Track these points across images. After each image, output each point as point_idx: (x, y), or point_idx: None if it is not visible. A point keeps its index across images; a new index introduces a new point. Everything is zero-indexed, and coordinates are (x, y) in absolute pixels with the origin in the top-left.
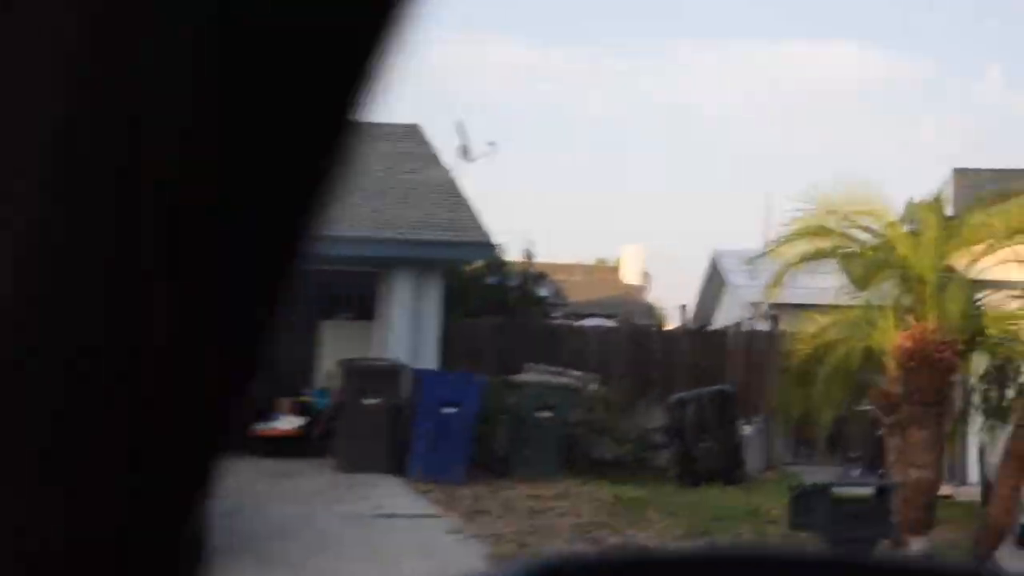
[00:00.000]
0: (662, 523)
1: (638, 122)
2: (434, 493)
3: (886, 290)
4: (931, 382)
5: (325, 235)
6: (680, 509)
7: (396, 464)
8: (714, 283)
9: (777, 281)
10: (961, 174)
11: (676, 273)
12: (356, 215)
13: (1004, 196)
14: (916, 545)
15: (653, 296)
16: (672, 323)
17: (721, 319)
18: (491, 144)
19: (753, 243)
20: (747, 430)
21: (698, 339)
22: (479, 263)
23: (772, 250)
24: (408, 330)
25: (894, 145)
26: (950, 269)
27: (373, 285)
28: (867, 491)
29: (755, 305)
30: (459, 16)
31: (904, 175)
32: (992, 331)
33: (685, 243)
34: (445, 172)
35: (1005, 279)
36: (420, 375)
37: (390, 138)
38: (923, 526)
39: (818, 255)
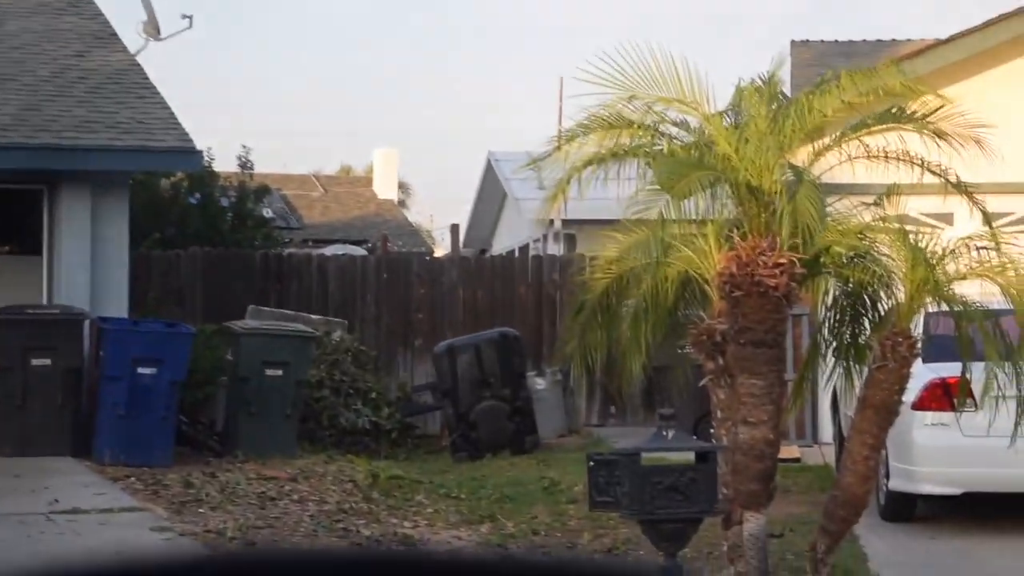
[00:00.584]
0: (434, 507)
1: None
2: (131, 480)
3: (700, 200)
4: (763, 315)
5: None
6: (458, 489)
7: (79, 444)
8: (492, 195)
9: (560, 189)
10: (801, 48)
11: (443, 184)
12: (2, 113)
13: (855, 73)
14: (752, 523)
15: (415, 214)
16: (441, 249)
17: (504, 242)
18: (187, 17)
19: (542, 145)
20: (539, 384)
21: (473, 268)
22: (178, 176)
23: (558, 148)
24: (86, 267)
25: (714, 20)
26: (790, 168)
27: (37, 209)
28: (687, 457)
29: (546, 223)
30: None
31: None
32: (839, 248)
33: (453, 145)
34: (127, 55)
35: (854, 182)
36: (105, 326)
37: (46, 10)
38: (760, 498)
39: (615, 155)
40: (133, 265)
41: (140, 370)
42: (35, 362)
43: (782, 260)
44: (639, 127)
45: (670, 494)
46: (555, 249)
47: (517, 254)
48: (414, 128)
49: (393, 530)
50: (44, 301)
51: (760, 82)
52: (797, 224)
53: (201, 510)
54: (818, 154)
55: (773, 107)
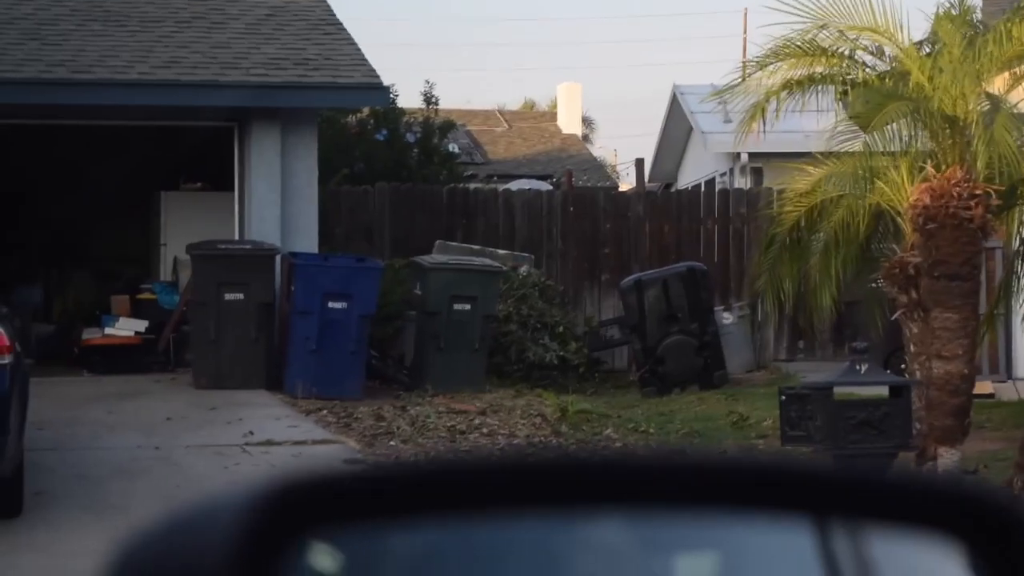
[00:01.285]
0: (623, 440)
1: None
2: (323, 413)
3: (897, 131)
4: (958, 248)
5: (146, 81)
6: (646, 423)
7: (272, 378)
8: (677, 129)
9: (753, 117)
10: None
11: (628, 119)
12: (192, 53)
13: None
14: (946, 459)
15: (599, 149)
16: (626, 184)
17: (689, 176)
18: None
19: (728, 76)
20: (727, 319)
21: (660, 203)
22: (365, 112)
23: (748, 77)
24: (276, 203)
25: None
26: (987, 97)
27: (228, 145)
28: (881, 391)
29: (732, 157)
30: None
31: None
32: None
33: (638, 79)
34: None
35: None
36: (296, 261)
37: None
38: (954, 434)
39: (808, 82)
40: (322, 201)
41: (330, 304)
42: (228, 296)
43: (977, 191)
44: (832, 55)
45: (864, 428)
46: (741, 183)
47: (703, 188)
48: (598, 62)
49: None
50: (236, 236)
51: (951, 8)
52: (993, 154)
53: (392, 443)
54: (1016, 82)
55: (968, 34)
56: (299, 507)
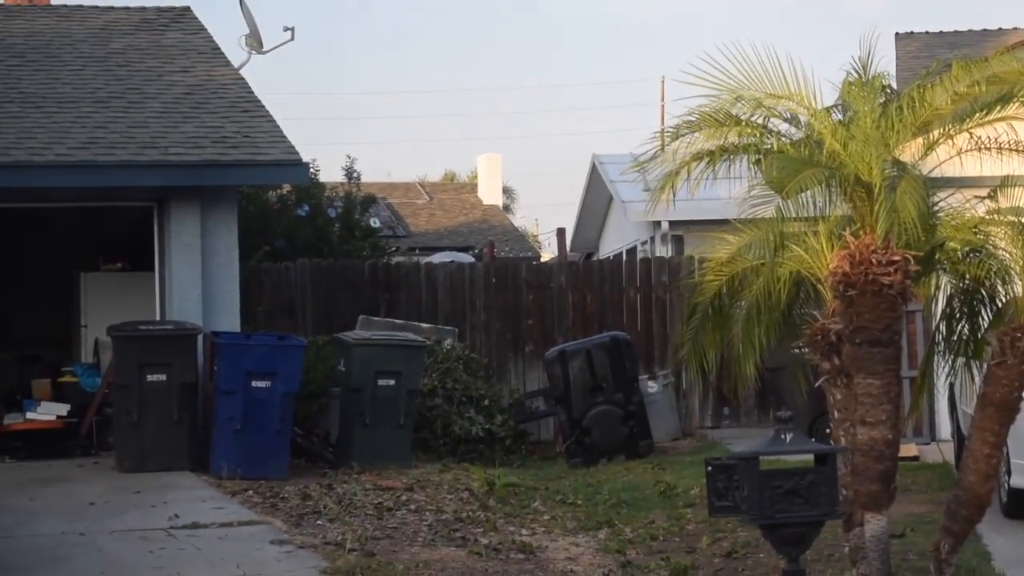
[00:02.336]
0: (551, 513)
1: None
2: (249, 493)
3: (811, 197)
4: (878, 314)
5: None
6: (572, 494)
7: (196, 458)
8: (598, 198)
9: (668, 183)
10: (905, 40)
11: (548, 187)
12: (109, 133)
13: (967, 63)
14: (873, 525)
15: (520, 219)
16: (548, 253)
17: (610, 245)
18: (288, 30)
19: (646, 145)
20: (652, 388)
21: (582, 272)
22: (285, 189)
23: (665, 147)
24: (197, 282)
25: (815, 13)
26: (894, 163)
27: (149, 225)
28: (807, 459)
29: (653, 225)
30: None
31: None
32: (954, 244)
33: (557, 149)
34: (230, 69)
35: (966, 175)
36: (218, 340)
37: (150, 26)
38: (881, 499)
39: (723, 152)
40: (244, 278)
41: (254, 383)
42: (151, 378)
43: (896, 257)
44: (747, 124)
45: (790, 498)
46: (663, 251)
47: (625, 257)
48: (517, 133)
49: (511, 538)
50: (158, 316)
51: (857, 74)
52: (894, 220)
53: (319, 522)
54: (929, 148)
55: (880, 101)
56: None
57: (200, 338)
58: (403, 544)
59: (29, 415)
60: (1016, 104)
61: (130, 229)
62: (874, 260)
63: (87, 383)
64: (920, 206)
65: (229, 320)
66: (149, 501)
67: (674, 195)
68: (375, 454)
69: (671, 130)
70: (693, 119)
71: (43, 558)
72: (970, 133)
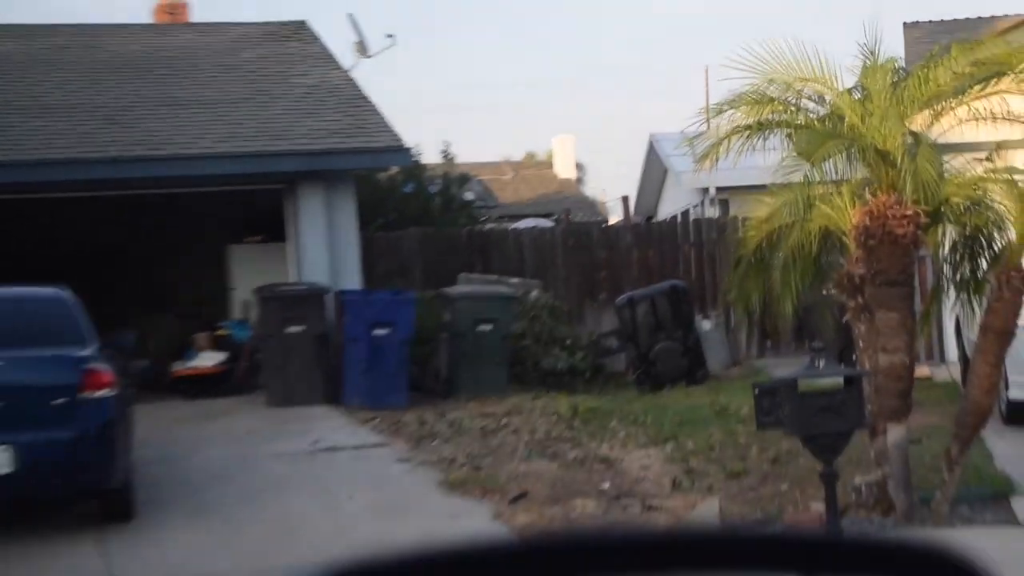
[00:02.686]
0: (626, 431)
1: (547, 2)
2: (376, 421)
3: (834, 164)
4: (895, 259)
5: (208, 154)
6: (643, 415)
7: (331, 394)
8: (655, 170)
9: (711, 155)
10: (912, 28)
11: (613, 163)
12: (245, 129)
13: (964, 46)
14: (894, 433)
15: (591, 189)
16: (614, 217)
17: (667, 209)
18: (390, 37)
19: (693, 123)
20: (706, 326)
21: (644, 232)
22: (394, 170)
23: (708, 123)
24: (324, 249)
25: (833, 6)
26: (910, 134)
27: (282, 204)
28: (837, 382)
29: (702, 191)
30: None
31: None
32: (957, 199)
33: (619, 129)
34: (343, 72)
35: (966, 141)
36: (344, 297)
37: (273, 38)
38: (900, 413)
39: (759, 127)
40: (362, 246)
41: (375, 332)
42: (290, 329)
43: (908, 212)
44: (779, 103)
45: (825, 413)
46: (711, 213)
47: (680, 219)
48: (586, 114)
49: (594, 452)
50: (292, 279)
51: (866, 60)
52: (917, 182)
53: (434, 443)
54: (935, 118)
55: (892, 80)
56: None
57: (329, 296)
58: (504, 459)
59: (192, 363)
60: (1007, 79)
61: (267, 207)
62: (890, 215)
63: (238, 335)
64: (937, 168)
65: (352, 280)
66: (294, 429)
67: (717, 162)
68: (477, 387)
69: (715, 107)
70: (733, 98)
71: (215, 475)
72: (968, 105)
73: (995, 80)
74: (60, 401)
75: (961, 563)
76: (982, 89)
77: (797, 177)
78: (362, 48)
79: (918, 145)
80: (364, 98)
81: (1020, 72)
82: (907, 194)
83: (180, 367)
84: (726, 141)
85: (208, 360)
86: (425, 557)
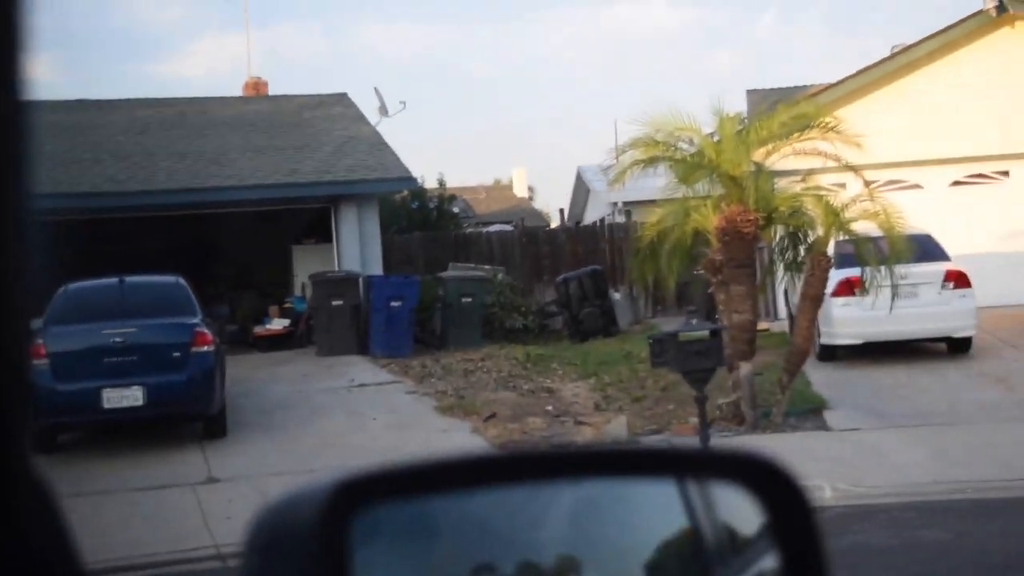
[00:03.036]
0: (563, 370)
1: (511, 73)
2: (391, 366)
3: (704, 186)
4: (742, 249)
5: (280, 183)
6: (575, 359)
7: (362, 348)
8: (581, 190)
9: (617, 179)
10: (752, 93)
11: (554, 185)
12: (303, 166)
13: (785, 105)
14: (743, 369)
15: (539, 204)
16: (555, 223)
17: (590, 216)
18: (403, 103)
19: (606, 158)
20: (616, 297)
21: (574, 233)
22: (404, 192)
23: (616, 158)
24: (357, 248)
25: (701, 76)
26: (753, 164)
27: (328, 217)
28: (704, 333)
29: (613, 204)
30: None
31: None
32: (784, 208)
33: (559, 161)
34: (370, 127)
35: (788, 168)
36: (371, 280)
37: (324, 105)
38: (747, 355)
39: (650, 161)
40: (384, 245)
41: (392, 304)
42: (334, 303)
43: (751, 217)
44: (663, 144)
45: (697, 356)
46: (620, 219)
47: (599, 224)
48: (537, 151)
49: (541, 385)
50: (335, 268)
51: (727, 115)
52: (758, 196)
53: (432, 380)
54: (769, 153)
55: (739, 128)
56: (361, 489)
57: (360, 279)
58: (480, 390)
59: (267, 326)
60: (815, 129)
61: (318, 219)
62: (739, 219)
63: (299, 307)
64: (770, 187)
65: (376, 269)
66: (336, 372)
67: (624, 184)
68: (462, 341)
69: (620, 147)
70: (631, 141)
71: (279, 404)
72: (792, 145)
73: (807, 129)
74: (177, 355)
75: (768, 464)
76: (800, 135)
77: (677, 194)
78: (383, 110)
79: (759, 172)
80: (384, 144)
81: (820, 124)
82: (750, 205)
83: (259, 329)
84: (629, 170)
85: (278, 324)
86: (421, 466)
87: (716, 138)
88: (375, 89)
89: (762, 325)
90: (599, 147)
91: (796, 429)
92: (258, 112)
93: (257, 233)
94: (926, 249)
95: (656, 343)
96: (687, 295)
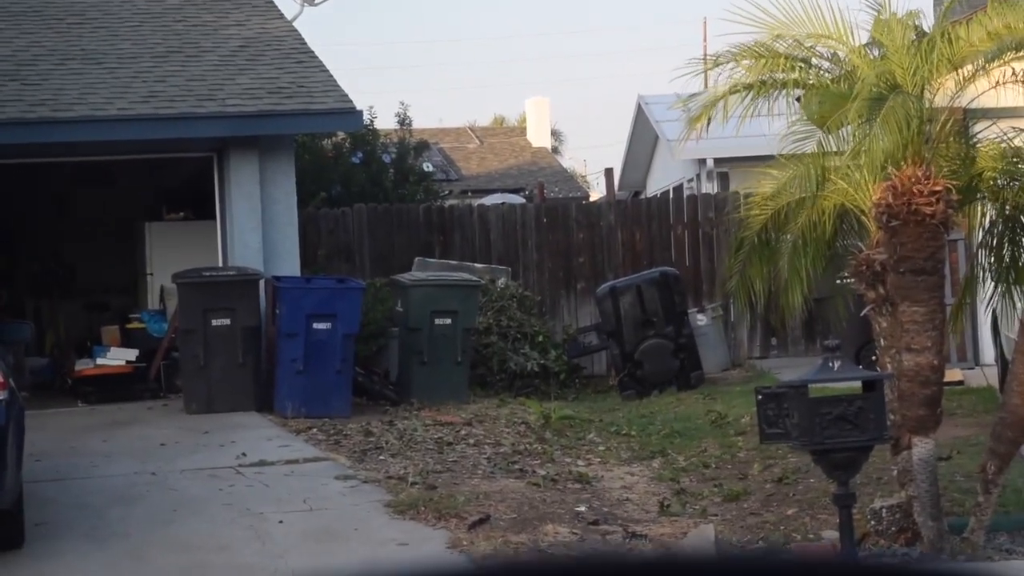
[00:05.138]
0: (606, 444)
1: None
2: (313, 431)
3: (851, 133)
4: (922, 244)
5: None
6: (627, 426)
7: (261, 399)
8: (644, 138)
9: (704, 116)
10: None
11: (596, 129)
12: (169, 87)
13: (1001, 4)
14: (920, 448)
15: (568, 160)
16: (596, 193)
17: (657, 183)
18: None
19: (688, 78)
20: (701, 320)
21: (630, 210)
22: (341, 136)
23: (705, 78)
24: (257, 229)
25: None
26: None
27: (207, 174)
28: (852, 386)
29: (698, 162)
30: None
31: None
32: (992, 173)
33: (603, 90)
34: (284, 22)
35: (1003, 106)
36: (279, 284)
37: None
38: (927, 423)
39: (764, 87)
40: (302, 224)
41: (315, 325)
42: (215, 322)
43: (938, 188)
44: (787, 58)
45: (840, 423)
46: (709, 188)
47: (672, 194)
48: (564, 75)
49: (568, 468)
50: (220, 263)
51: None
52: (950, 151)
53: (382, 457)
54: (967, 81)
55: (914, 38)
56: None
57: (262, 283)
58: (463, 477)
59: (99, 360)
60: None
61: (191, 179)
62: (916, 191)
63: (154, 329)
64: (968, 136)
65: (289, 265)
66: (217, 441)
67: (709, 125)
68: (434, 391)
69: (711, 57)
70: (732, 52)
71: (118, 497)
72: (1009, 66)
73: None
74: None
75: None
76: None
77: (807, 147)
78: None
79: (951, 111)
80: (308, 52)
81: None
82: (937, 166)
83: (85, 366)
84: (724, 101)
85: (118, 358)
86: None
87: (876, 52)
88: None
89: (953, 374)
90: (674, 70)
91: (1010, 555)
92: None
93: (88, 202)
94: None
95: (769, 401)
96: (823, 320)
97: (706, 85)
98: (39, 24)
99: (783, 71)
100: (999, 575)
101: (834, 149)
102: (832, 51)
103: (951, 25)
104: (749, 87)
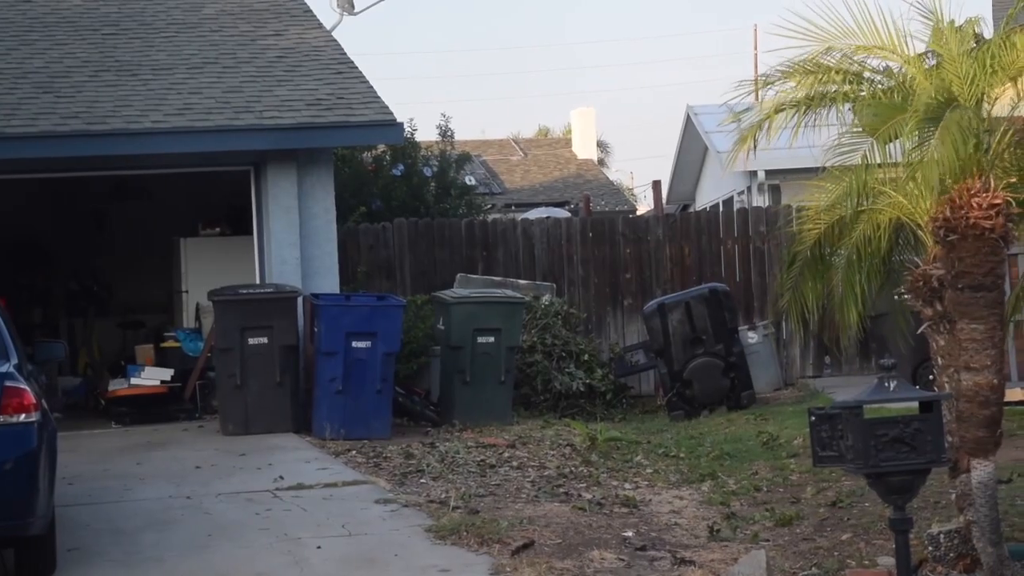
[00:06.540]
0: (654, 467)
1: None
2: (352, 454)
3: (903, 143)
4: (981, 259)
5: (160, 130)
6: (676, 448)
7: (299, 420)
8: (693, 150)
9: (751, 133)
10: None
11: (643, 142)
12: (204, 99)
13: None
14: (980, 471)
15: (615, 173)
16: (644, 206)
17: (706, 196)
18: None
19: (738, 95)
20: (752, 338)
21: (679, 224)
22: (381, 149)
23: (756, 94)
24: (295, 244)
25: None
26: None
27: (244, 189)
28: (909, 407)
29: (749, 175)
30: None
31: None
32: None
33: (651, 102)
34: (322, 31)
35: None
36: (318, 302)
37: None
38: (987, 445)
39: (809, 101)
40: (341, 239)
41: (355, 344)
42: (252, 341)
43: (997, 200)
44: (838, 72)
45: (896, 446)
46: (760, 201)
47: (721, 208)
48: (610, 86)
49: (615, 492)
50: (257, 280)
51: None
52: (1012, 162)
53: (423, 480)
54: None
55: (972, 46)
56: None
57: (300, 300)
58: (506, 501)
59: (134, 380)
60: None
61: (228, 194)
62: (975, 204)
63: (189, 348)
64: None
65: (328, 281)
66: (254, 463)
67: (755, 144)
68: (476, 412)
69: (762, 78)
70: (784, 67)
71: (152, 521)
72: None
73: None
74: None
75: None
76: None
77: (858, 157)
78: (347, 2)
79: (1012, 120)
80: (348, 63)
81: None
82: (995, 177)
83: (118, 386)
84: (773, 116)
85: (153, 378)
86: None
87: (932, 62)
88: None
89: (1014, 394)
90: (725, 79)
91: None
92: (123, 2)
93: (122, 218)
94: None
95: (822, 422)
96: (879, 338)
97: (757, 97)
98: (72, 35)
99: (834, 83)
100: None
101: (888, 160)
102: (884, 62)
103: (1008, 32)
104: (796, 104)
